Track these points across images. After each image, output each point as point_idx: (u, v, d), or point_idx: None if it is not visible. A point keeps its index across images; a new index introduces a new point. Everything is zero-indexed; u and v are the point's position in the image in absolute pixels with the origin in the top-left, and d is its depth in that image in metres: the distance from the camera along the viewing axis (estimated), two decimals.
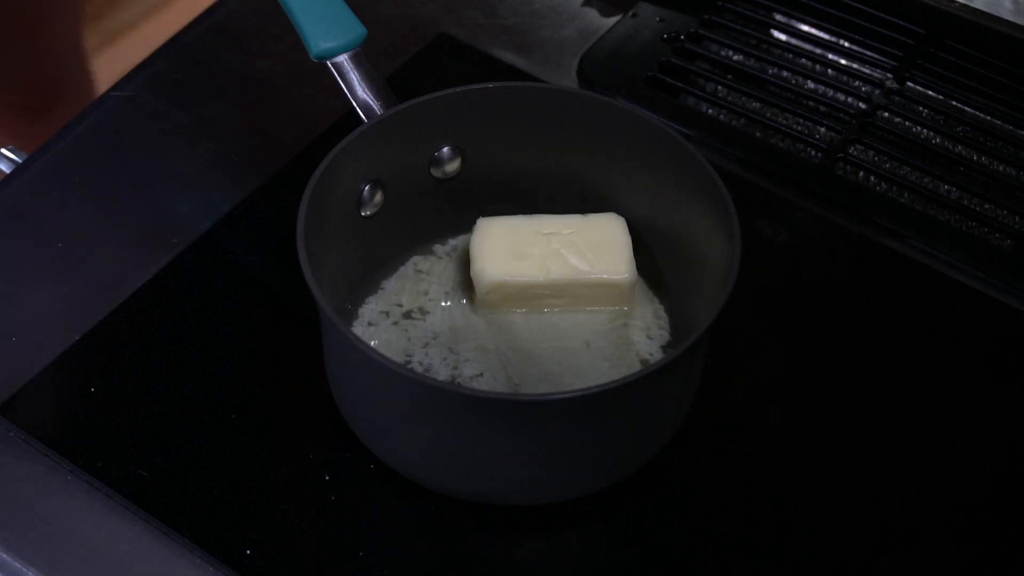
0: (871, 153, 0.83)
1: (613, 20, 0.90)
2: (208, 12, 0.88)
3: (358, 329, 0.69)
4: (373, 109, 0.68)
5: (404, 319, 0.69)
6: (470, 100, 0.68)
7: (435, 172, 0.71)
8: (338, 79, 0.68)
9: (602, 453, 0.62)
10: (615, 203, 0.70)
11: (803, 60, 0.89)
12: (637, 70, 0.86)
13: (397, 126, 0.67)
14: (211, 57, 0.86)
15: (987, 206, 0.80)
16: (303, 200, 0.62)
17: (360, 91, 0.68)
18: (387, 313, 0.69)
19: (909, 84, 0.87)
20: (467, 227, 0.71)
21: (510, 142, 0.71)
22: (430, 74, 0.84)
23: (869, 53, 0.89)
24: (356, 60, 0.68)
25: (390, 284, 0.71)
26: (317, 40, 0.68)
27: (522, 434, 0.60)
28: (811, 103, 0.86)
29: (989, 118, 0.85)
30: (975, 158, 0.83)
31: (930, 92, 0.87)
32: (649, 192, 0.69)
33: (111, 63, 1.40)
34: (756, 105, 0.86)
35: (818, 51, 0.89)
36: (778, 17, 0.91)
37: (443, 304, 0.70)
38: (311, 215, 0.62)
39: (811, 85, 0.87)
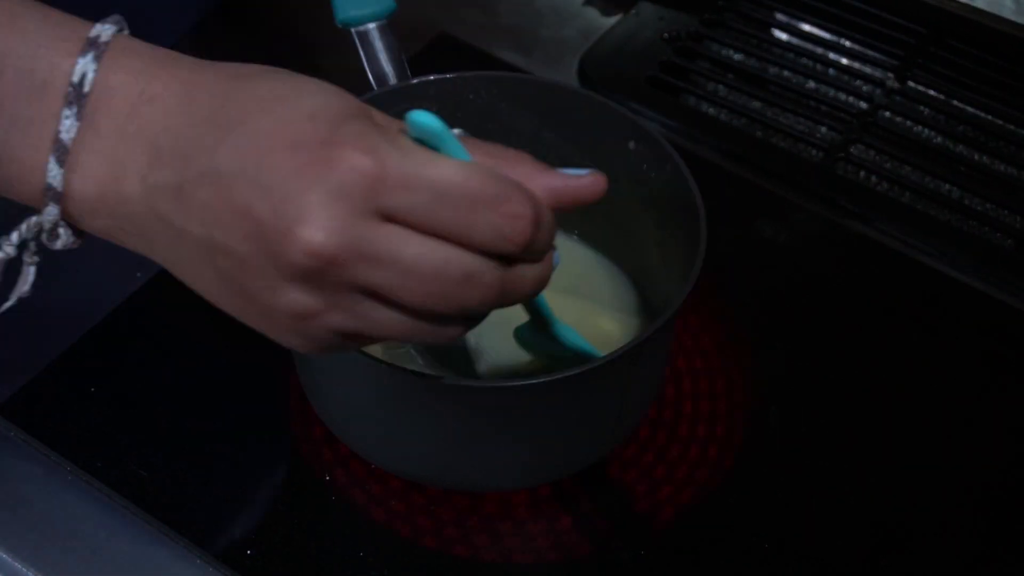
0: (872, 153, 0.83)
1: (614, 20, 0.90)
2: (207, 15, 0.88)
3: None
4: (388, 80, 0.68)
5: None
6: (482, 85, 0.68)
7: None
8: (359, 47, 0.69)
9: (560, 439, 0.62)
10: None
11: (804, 60, 0.89)
12: (638, 70, 0.86)
13: (406, 98, 0.67)
14: (211, 57, 0.86)
15: (988, 205, 0.80)
16: None
17: (379, 62, 0.69)
18: None
19: (910, 83, 0.87)
20: None
21: (511, 132, 0.70)
22: (431, 74, 0.84)
23: (870, 52, 0.89)
24: (382, 31, 0.69)
25: None
26: (346, 7, 0.69)
27: (476, 419, 0.59)
28: (812, 103, 0.86)
29: (990, 117, 0.85)
30: (976, 157, 0.83)
31: (931, 91, 0.87)
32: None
33: None
34: (757, 105, 0.86)
35: (819, 50, 0.89)
36: (779, 16, 0.91)
37: None
38: None
39: (812, 85, 0.87)
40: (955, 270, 0.76)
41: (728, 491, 0.66)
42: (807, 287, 0.76)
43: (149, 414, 0.66)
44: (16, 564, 0.61)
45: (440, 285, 0.44)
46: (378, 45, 0.69)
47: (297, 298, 0.44)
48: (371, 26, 0.69)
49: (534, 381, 0.57)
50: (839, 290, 0.76)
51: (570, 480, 0.65)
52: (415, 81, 0.68)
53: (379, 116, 0.47)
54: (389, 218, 0.44)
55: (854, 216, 0.79)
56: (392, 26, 0.70)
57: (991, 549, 0.65)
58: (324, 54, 0.84)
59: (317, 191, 0.43)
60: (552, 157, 0.70)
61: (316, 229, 0.43)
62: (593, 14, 0.91)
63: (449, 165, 0.44)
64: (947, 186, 0.81)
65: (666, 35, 0.89)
